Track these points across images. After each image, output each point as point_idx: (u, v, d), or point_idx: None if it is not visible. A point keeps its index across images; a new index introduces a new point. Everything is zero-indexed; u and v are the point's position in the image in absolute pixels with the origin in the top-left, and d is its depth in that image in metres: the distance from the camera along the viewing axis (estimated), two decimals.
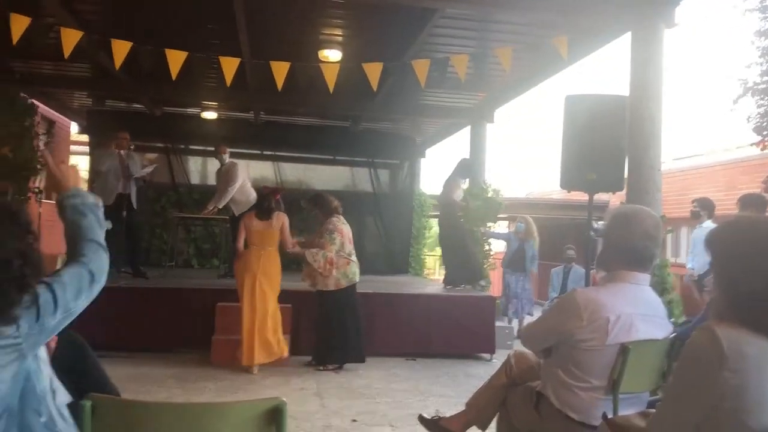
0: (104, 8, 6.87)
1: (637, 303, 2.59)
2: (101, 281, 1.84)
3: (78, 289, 1.76)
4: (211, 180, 9.79)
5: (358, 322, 6.42)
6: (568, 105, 4.81)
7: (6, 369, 1.58)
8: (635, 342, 2.52)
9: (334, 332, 6.31)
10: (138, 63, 5.77)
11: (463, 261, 8.20)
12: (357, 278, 6.41)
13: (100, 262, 1.86)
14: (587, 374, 2.55)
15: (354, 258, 6.42)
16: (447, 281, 8.28)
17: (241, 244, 6.30)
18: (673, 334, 2.74)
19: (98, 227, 1.93)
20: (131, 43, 5.46)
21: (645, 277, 2.66)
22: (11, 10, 5.18)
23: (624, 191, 5.26)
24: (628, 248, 2.62)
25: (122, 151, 7.92)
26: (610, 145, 4.73)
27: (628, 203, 5.39)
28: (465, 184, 8.61)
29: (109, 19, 7.04)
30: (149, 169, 8.37)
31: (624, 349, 2.51)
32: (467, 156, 9.81)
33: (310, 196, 6.72)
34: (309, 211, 6.41)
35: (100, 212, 1.97)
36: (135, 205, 8.06)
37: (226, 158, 8.31)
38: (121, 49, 5.46)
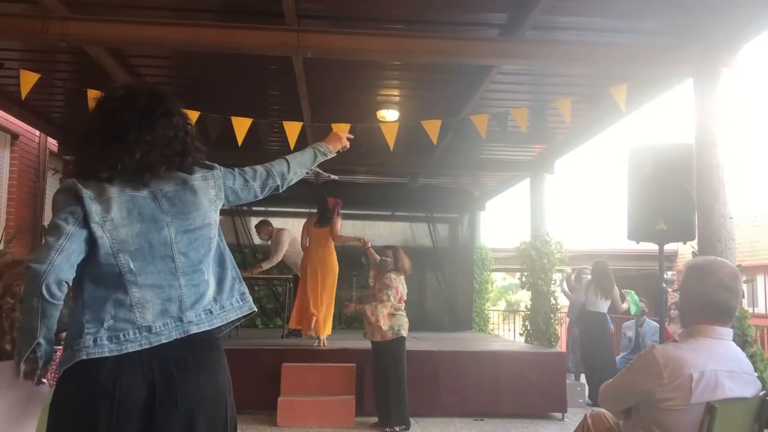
0: (173, 81, 7.21)
1: (721, 359, 2.46)
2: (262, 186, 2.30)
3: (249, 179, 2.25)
4: None
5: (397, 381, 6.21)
6: (633, 155, 4.74)
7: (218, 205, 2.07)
8: (722, 401, 2.38)
9: (391, 388, 6.18)
10: (204, 131, 5.99)
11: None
12: (404, 332, 6.27)
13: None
14: None
15: (402, 312, 6.30)
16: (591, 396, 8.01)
17: (305, 242, 7.78)
18: (763, 392, 2.58)
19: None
20: (199, 113, 5.69)
21: (727, 331, 2.53)
22: (87, 86, 5.47)
23: (695, 240, 5.09)
24: (706, 301, 2.51)
25: None
26: (678, 194, 4.61)
27: (700, 253, 5.21)
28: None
29: (178, 91, 7.38)
30: None
31: (710, 409, 2.37)
32: (530, 209, 9.72)
33: (390, 245, 6.68)
34: (385, 256, 6.35)
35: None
36: None
37: (268, 236, 8.95)
38: (190, 118, 5.69)
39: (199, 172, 2.05)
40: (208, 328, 1.92)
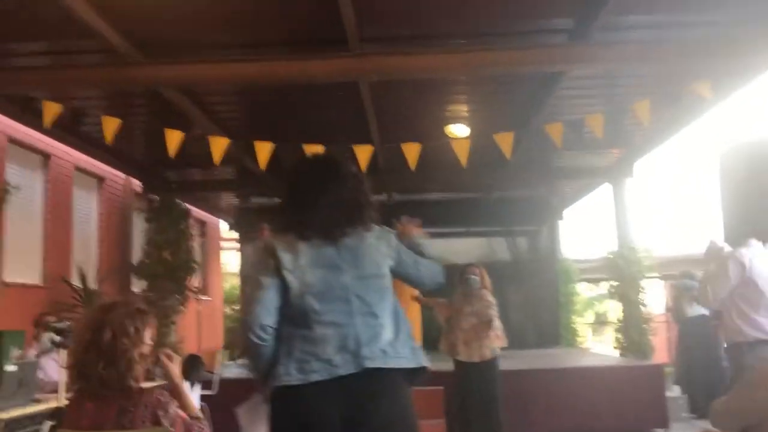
0: (245, 116, 7.39)
1: None
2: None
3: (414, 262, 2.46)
4: None
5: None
6: (725, 156, 4.47)
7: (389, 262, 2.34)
8: None
9: (491, 411, 5.97)
10: (278, 160, 6.08)
11: None
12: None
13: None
14: None
15: None
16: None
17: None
18: None
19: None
20: (272, 143, 5.78)
21: None
22: (165, 127, 5.67)
23: None
24: None
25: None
26: None
27: None
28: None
29: (250, 124, 7.56)
30: None
31: None
32: (612, 215, 9.37)
33: (471, 263, 6.50)
34: (472, 273, 6.16)
35: None
36: None
37: None
38: (263, 149, 5.79)
39: (375, 231, 2.36)
40: (381, 366, 2.14)
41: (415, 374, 2.25)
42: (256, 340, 2.18)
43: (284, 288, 2.20)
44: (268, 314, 2.18)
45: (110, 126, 5.62)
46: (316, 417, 2.10)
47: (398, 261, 2.38)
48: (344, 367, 2.12)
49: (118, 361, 2.31)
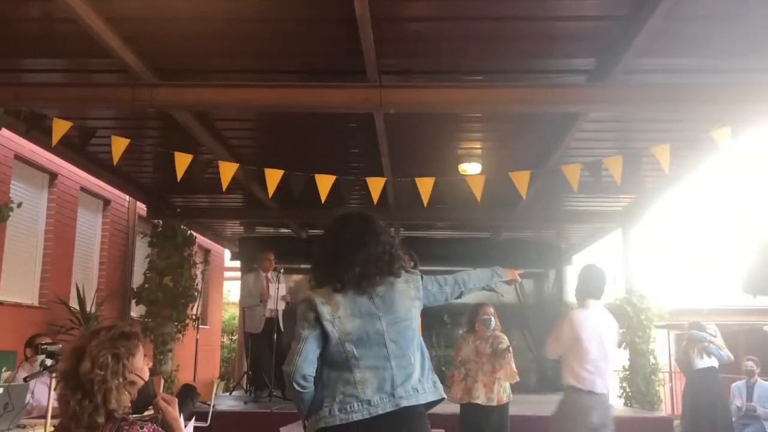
0: (256, 142, 7.32)
1: None
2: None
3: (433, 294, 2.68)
4: None
5: None
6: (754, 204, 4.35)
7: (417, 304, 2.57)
8: None
9: None
10: (287, 189, 5.99)
11: None
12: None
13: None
14: None
15: None
16: None
17: None
18: None
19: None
20: (283, 171, 5.69)
21: None
22: (175, 150, 5.58)
23: None
24: None
25: (268, 274, 8.15)
26: None
27: None
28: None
29: (261, 151, 7.49)
30: (282, 288, 8.38)
31: None
32: (620, 261, 9.23)
33: (482, 303, 6.33)
34: (485, 314, 5.98)
35: None
36: (282, 327, 8.16)
37: None
38: (273, 177, 5.69)
39: (403, 276, 2.57)
40: (415, 403, 2.39)
41: (433, 404, 2.49)
42: (298, 388, 2.42)
43: (324, 336, 2.41)
44: (309, 364, 2.41)
45: (119, 147, 5.54)
46: None
47: (426, 296, 2.61)
48: (382, 406, 2.35)
49: (93, 392, 2.15)
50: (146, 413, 2.41)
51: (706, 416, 7.60)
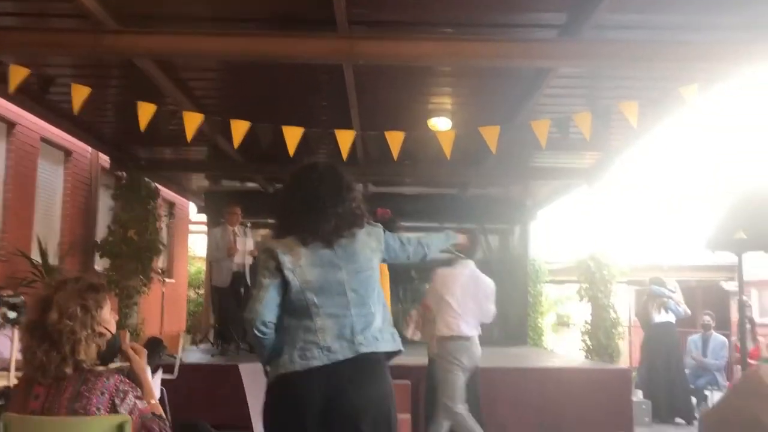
0: (222, 93, 7.16)
1: None
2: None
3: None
4: None
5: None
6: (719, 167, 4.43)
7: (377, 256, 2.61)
8: None
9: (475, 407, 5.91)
10: (254, 142, 5.89)
11: None
12: None
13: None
14: None
15: None
16: None
17: None
18: None
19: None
20: (249, 122, 5.58)
21: None
22: (137, 100, 5.43)
23: None
24: None
25: (235, 228, 8.08)
26: (759, 203, 4.31)
27: None
28: None
29: (227, 103, 7.33)
30: (250, 243, 8.36)
31: None
32: (586, 218, 9.37)
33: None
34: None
35: None
36: (249, 281, 8.14)
37: None
38: (240, 128, 5.58)
39: (366, 228, 2.60)
40: (375, 350, 2.43)
41: (391, 356, 2.55)
42: (258, 334, 2.44)
43: (285, 285, 2.44)
44: (269, 311, 2.44)
45: (79, 95, 5.35)
46: (314, 398, 2.35)
47: (387, 250, 2.66)
48: (342, 352, 2.38)
49: (61, 343, 2.16)
50: (112, 366, 2.40)
51: (662, 368, 7.93)
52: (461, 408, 4.99)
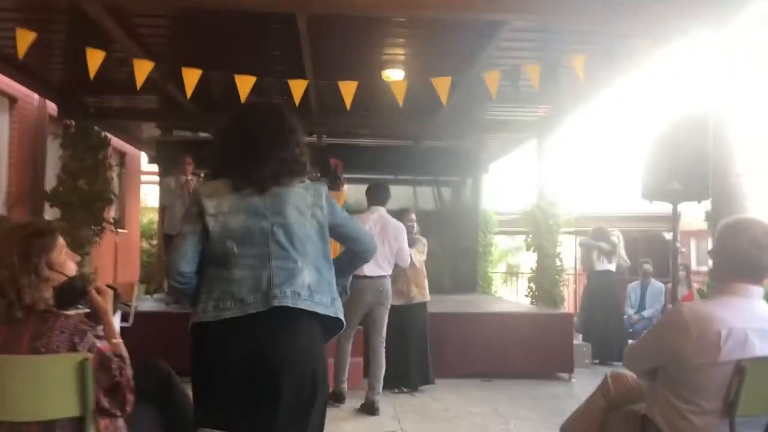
0: (171, 41, 7.04)
1: (751, 317, 2.40)
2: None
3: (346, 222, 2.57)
4: None
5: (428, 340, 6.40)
6: (649, 116, 4.64)
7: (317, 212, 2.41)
8: (752, 360, 2.33)
9: (416, 351, 6.23)
10: (206, 90, 5.86)
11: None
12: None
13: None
14: (699, 396, 2.37)
15: None
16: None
17: None
18: None
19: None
20: (201, 71, 5.55)
21: (758, 290, 2.47)
22: (86, 46, 5.34)
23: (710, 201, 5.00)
24: (736, 259, 2.45)
25: (188, 177, 8.04)
26: (693, 154, 4.54)
27: (713, 213, 5.14)
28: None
29: (178, 51, 7.21)
30: None
31: (740, 368, 2.32)
32: (535, 169, 9.61)
33: (405, 208, 6.79)
34: (408, 220, 6.31)
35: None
36: None
37: None
38: (191, 76, 5.56)
39: (305, 183, 2.44)
40: (291, 305, 2.25)
41: (331, 325, 2.38)
42: (175, 284, 2.37)
43: (206, 232, 2.32)
44: (186, 262, 2.33)
45: (24, 40, 5.25)
46: (229, 350, 2.24)
47: (331, 213, 2.45)
48: (254, 305, 2.25)
49: (3, 290, 2.23)
50: (78, 310, 2.46)
51: (601, 314, 8.34)
52: (343, 340, 5.61)
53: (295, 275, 2.29)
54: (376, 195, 5.73)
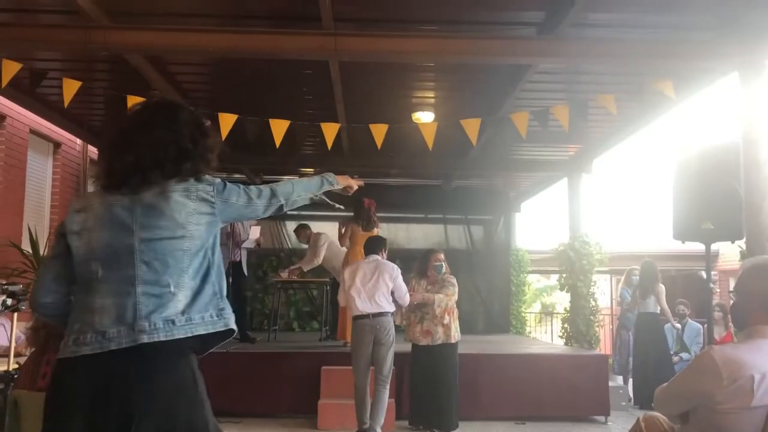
0: (210, 86, 7.29)
1: None
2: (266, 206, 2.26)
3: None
4: None
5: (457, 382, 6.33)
6: (679, 154, 4.65)
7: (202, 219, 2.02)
8: None
9: (446, 392, 6.18)
10: (242, 134, 6.04)
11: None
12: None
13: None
14: None
15: None
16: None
17: (346, 242, 7.70)
18: None
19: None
20: (236, 115, 5.73)
21: None
22: (127, 93, 5.57)
23: (743, 240, 4.95)
24: (762, 300, 2.44)
25: None
26: (724, 192, 4.51)
27: (748, 252, 5.08)
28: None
29: (215, 96, 7.46)
30: (257, 231, 8.64)
31: None
32: (567, 208, 9.59)
33: (435, 249, 6.88)
34: (436, 260, 6.44)
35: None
36: (246, 272, 8.39)
37: (307, 239, 8.88)
38: (227, 121, 5.74)
39: (184, 185, 2.02)
40: (162, 339, 1.88)
41: (217, 338, 2.02)
42: (40, 315, 2.15)
43: (69, 255, 2.00)
44: (46, 292, 2.05)
45: (70, 89, 5.50)
46: (82, 392, 1.86)
47: (225, 210, 2.11)
48: (117, 340, 1.88)
49: None
50: None
51: (649, 357, 8.09)
52: (356, 375, 5.84)
53: (166, 302, 1.92)
54: (371, 246, 6.20)
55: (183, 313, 1.93)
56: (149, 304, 1.90)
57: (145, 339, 1.86)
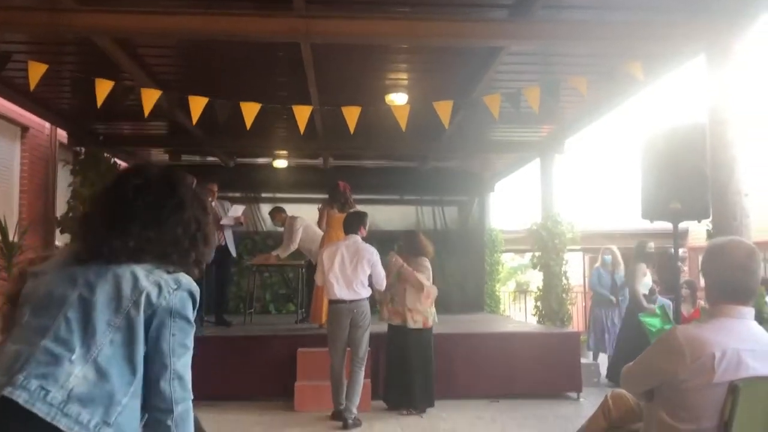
0: (180, 69, 7.19)
1: (743, 338, 2.46)
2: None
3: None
4: None
5: (433, 364, 6.43)
6: (646, 135, 4.72)
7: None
8: (746, 379, 2.39)
9: (420, 373, 6.27)
10: (213, 117, 6.00)
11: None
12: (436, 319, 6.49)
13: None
14: (695, 417, 2.42)
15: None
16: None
17: (323, 226, 7.68)
18: None
19: None
20: (207, 98, 5.68)
21: (748, 311, 2.53)
22: (95, 76, 5.48)
23: (710, 219, 5.06)
24: (723, 281, 2.52)
25: (213, 202, 8.22)
26: (691, 172, 4.60)
27: (714, 231, 5.19)
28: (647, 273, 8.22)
29: (185, 79, 7.37)
30: (239, 209, 8.62)
31: (733, 388, 2.37)
32: (539, 189, 9.68)
33: (411, 230, 7.02)
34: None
35: None
36: (234, 252, 8.49)
37: (282, 222, 8.81)
38: (198, 104, 5.69)
39: (153, 272, 1.75)
40: (20, 401, 1.55)
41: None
42: None
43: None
44: None
45: (36, 72, 5.40)
46: None
47: (160, 334, 1.71)
48: None
49: None
50: None
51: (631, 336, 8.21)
52: (333, 357, 6.01)
53: (58, 367, 1.60)
54: (350, 224, 6.25)
55: (67, 392, 1.58)
56: (40, 361, 1.61)
57: (5, 392, 1.56)
